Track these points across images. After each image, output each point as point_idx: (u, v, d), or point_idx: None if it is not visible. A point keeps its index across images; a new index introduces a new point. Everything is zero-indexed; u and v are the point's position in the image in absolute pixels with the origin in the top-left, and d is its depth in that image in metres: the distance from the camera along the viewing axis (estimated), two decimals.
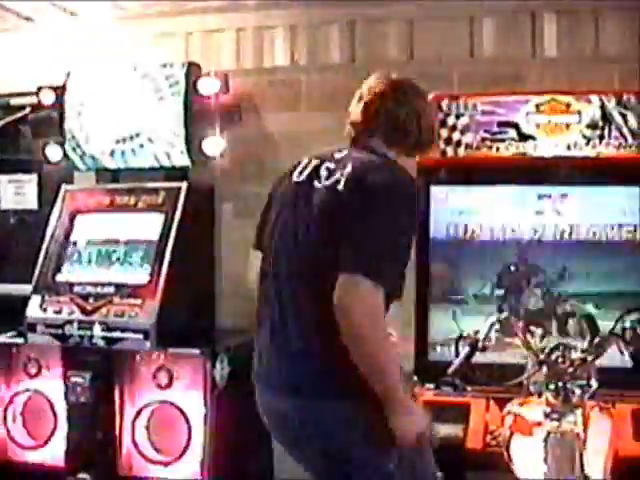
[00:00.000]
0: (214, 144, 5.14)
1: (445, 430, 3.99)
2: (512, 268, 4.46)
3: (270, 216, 3.08)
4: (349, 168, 2.82)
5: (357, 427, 2.74)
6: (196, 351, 4.71)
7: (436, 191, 4.53)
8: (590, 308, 4.17)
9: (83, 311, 4.87)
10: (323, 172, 2.89)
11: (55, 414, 4.95)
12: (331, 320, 2.60)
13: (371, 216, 2.69)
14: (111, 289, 4.86)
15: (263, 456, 5.28)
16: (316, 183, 2.88)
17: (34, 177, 6.29)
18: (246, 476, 5.27)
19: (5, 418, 5.09)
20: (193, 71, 5.14)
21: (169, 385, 4.74)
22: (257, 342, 3.06)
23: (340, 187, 2.79)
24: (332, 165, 2.89)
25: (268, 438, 4.96)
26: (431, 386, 4.17)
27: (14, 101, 6.17)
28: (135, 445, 4.81)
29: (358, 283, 2.58)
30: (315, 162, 2.97)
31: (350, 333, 2.60)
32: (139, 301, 4.76)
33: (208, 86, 5.11)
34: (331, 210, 2.79)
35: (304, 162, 3.03)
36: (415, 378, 4.27)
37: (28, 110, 5.95)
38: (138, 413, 4.80)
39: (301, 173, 2.99)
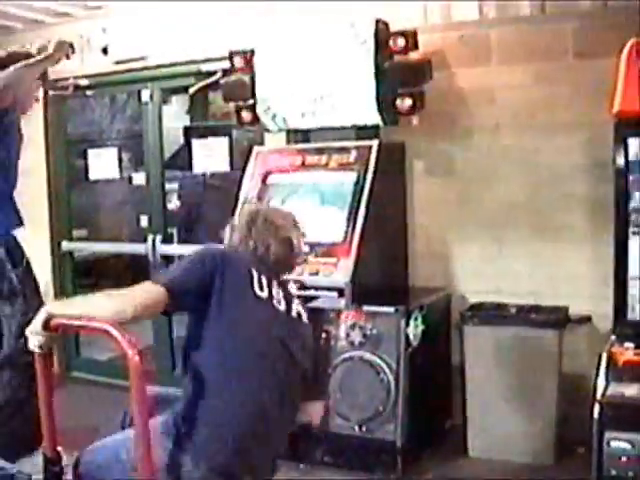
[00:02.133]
0: (405, 102, 5.08)
1: None
2: None
3: (224, 298, 3.05)
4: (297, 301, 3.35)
5: None
6: (390, 309, 4.72)
7: (634, 143, 4.33)
8: None
9: None
10: (281, 297, 3.23)
11: None
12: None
13: None
14: (305, 247, 4.90)
15: (456, 416, 5.28)
16: (281, 307, 3.20)
17: (225, 140, 6.41)
18: (439, 435, 5.28)
19: None
20: (381, 29, 5.11)
21: (363, 343, 4.77)
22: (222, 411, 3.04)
23: (304, 320, 3.32)
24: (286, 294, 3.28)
25: (463, 402, 5.02)
26: (631, 345, 4.04)
27: (205, 67, 6.32)
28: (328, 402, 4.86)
29: None
30: (265, 279, 3.17)
31: None
32: (334, 259, 4.80)
33: (397, 43, 5.07)
34: (304, 340, 3.28)
35: (255, 274, 3.15)
36: (613, 337, 4.14)
37: (219, 75, 6.09)
38: (333, 370, 4.86)
39: (261, 288, 3.13)
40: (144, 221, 6.84)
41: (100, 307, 2.90)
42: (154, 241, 6.69)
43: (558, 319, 4.91)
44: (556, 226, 5.18)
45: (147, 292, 2.97)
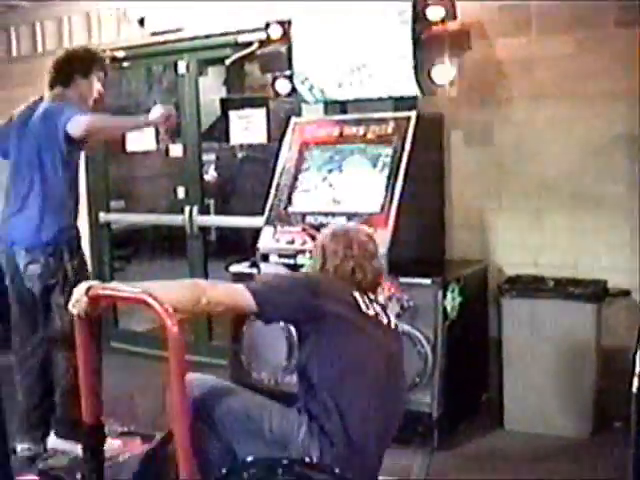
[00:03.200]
0: (443, 72, 5.01)
1: None
2: None
3: (336, 326, 3.13)
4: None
5: None
6: (428, 281, 4.69)
7: None
8: None
9: (315, 241, 4.92)
10: (380, 311, 3.33)
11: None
12: None
13: None
14: (343, 218, 4.89)
15: (492, 389, 5.26)
16: (385, 320, 3.30)
17: (262, 111, 6.39)
18: (475, 407, 5.27)
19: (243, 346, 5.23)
20: None
21: (399, 315, 4.73)
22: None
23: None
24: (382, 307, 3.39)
25: (500, 375, 5.00)
26: None
27: (241, 38, 6.29)
28: None
29: None
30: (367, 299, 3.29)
31: None
32: (371, 231, 4.75)
33: (436, 13, 4.99)
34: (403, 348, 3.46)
35: (358, 297, 3.24)
36: None
37: (256, 46, 6.06)
38: None
39: (367, 307, 3.24)
40: (181, 192, 6.86)
41: (169, 289, 2.99)
42: (191, 212, 6.70)
43: (596, 292, 4.86)
44: (596, 197, 5.11)
45: (230, 292, 3.09)
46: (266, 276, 3.27)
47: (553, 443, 4.80)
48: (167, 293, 2.92)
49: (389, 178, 4.91)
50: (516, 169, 5.33)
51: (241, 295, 3.04)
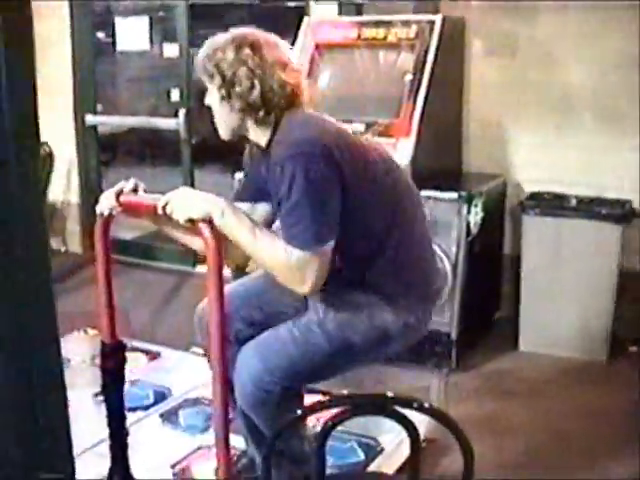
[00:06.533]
0: None
1: None
2: None
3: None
4: None
5: None
6: (453, 194, 4.47)
7: None
8: None
9: None
10: None
11: None
12: None
13: None
14: (361, 127, 4.62)
15: (504, 308, 5.12)
16: None
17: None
18: (488, 327, 5.13)
19: None
20: None
21: None
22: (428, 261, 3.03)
23: None
24: None
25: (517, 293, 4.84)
26: None
27: None
28: None
29: None
30: None
31: None
32: (392, 140, 4.51)
33: None
34: None
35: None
36: None
37: None
38: None
39: None
40: (175, 95, 6.51)
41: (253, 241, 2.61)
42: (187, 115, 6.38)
43: (622, 213, 4.66)
44: (622, 116, 4.86)
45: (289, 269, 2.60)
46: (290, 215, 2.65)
47: (568, 366, 4.67)
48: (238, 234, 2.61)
49: (411, 84, 4.62)
50: (538, 82, 5.06)
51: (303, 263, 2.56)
